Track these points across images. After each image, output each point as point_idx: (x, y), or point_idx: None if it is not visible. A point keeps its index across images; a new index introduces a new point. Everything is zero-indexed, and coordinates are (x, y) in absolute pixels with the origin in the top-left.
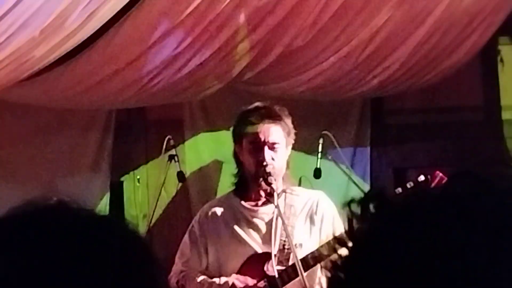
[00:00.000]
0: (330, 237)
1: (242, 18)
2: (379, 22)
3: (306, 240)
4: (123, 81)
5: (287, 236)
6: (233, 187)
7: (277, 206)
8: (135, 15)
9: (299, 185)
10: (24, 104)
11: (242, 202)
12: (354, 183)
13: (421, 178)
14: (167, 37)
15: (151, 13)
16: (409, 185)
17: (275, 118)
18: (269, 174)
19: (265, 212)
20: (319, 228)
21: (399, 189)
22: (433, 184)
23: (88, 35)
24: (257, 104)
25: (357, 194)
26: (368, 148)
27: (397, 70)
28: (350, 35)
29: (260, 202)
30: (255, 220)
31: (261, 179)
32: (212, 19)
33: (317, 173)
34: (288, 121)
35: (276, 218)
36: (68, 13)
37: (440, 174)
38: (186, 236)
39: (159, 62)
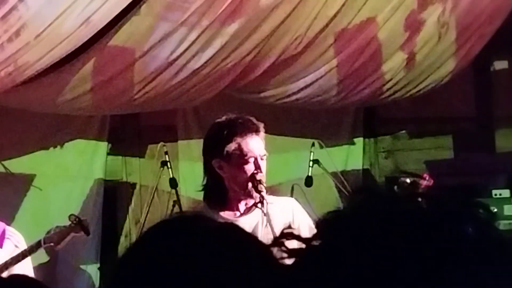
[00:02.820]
0: None
1: (236, 26)
2: (372, 32)
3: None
4: (117, 87)
5: None
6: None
7: (266, 214)
8: (130, 22)
9: (291, 193)
10: (18, 110)
11: (221, 213)
12: (346, 191)
13: (407, 181)
14: (161, 44)
15: (146, 20)
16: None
17: (258, 130)
18: (259, 182)
19: (246, 222)
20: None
21: None
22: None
23: (83, 41)
24: (231, 115)
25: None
26: (361, 157)
27: (390, 80)
28: (343, 44)
29: (238, 213)
30: None
31: (249, 189)
32: (207, 26)
33: (309, 181)
34: (263, 134)
35: (260, 226)
36: (64, 19)
37: (427, 177)
38: None
39: (153, 68)
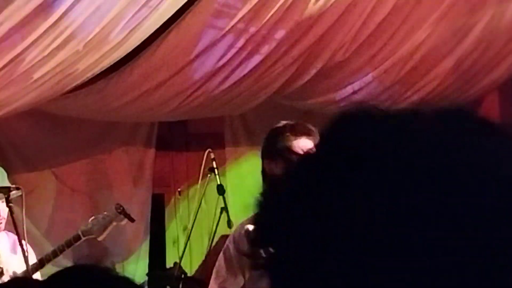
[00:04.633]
0: None
1: (283, 32)
2: (419, 38)
3: None
4: (165, 94)
5: None
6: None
7: None
8: (178, 29)
9: None
10: (67, 117)
11: None
12: None
13: None
14: (209, 51)
15: (194, 28)
16: None
17: (310, 134)
18: None
19: None
20: None
21: None
22: None
23: (131, 49)
24: (286, 122)
25: None
26: None
27: (438, 86)
28: (390, 50)
29: None
30: None
31: None
32: (254, 33)
33: None
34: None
35: None
36: (112, 27)
37: None
38: (221, 256)
39: (201, 75)
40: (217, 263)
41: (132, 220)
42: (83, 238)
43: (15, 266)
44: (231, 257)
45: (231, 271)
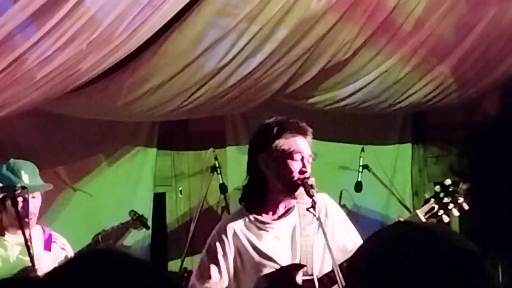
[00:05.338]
0: (345, 240)
1: (285, 32)
2: (421, 37)
3: (323, 246)
4: (167, 94)
5: (328, 248)
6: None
7: (318, 218)
8: (180, 29)
9: (340, 198)
10: (69, 116)
11: (258, 217)
12: (395, 196)
13: (448, 182)
14: (211, 50)
15: (196, 27)
16: (437, 189)
17: (306, 133)
18: (311, 186)
19: (285, 224)
20: (331, 232)
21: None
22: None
23: (134, 48)
24: (280, 118)
25: (397, 207)
26: (409, 162)
27: (439, 85)
28: (392, 50)
29: (276, 216)
30: (276, 233)
31: (297, 191)
32: (256, 33)
33: (358, 187)
34: (311, 139)
35: (297, 230)
36: (115, 27)
37: None
38: (204, 255)
39: (203, 74)
40: (200, 263)
41: (147, 227)
42: (102, 243)
43: (47, 264)
44: (216, 256)
45: (216, 270)
